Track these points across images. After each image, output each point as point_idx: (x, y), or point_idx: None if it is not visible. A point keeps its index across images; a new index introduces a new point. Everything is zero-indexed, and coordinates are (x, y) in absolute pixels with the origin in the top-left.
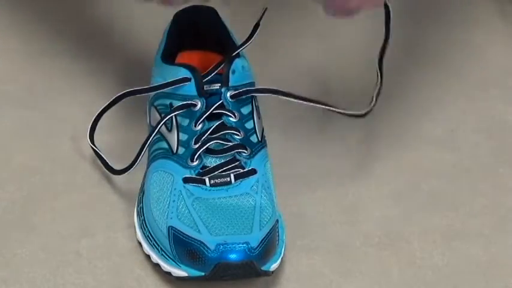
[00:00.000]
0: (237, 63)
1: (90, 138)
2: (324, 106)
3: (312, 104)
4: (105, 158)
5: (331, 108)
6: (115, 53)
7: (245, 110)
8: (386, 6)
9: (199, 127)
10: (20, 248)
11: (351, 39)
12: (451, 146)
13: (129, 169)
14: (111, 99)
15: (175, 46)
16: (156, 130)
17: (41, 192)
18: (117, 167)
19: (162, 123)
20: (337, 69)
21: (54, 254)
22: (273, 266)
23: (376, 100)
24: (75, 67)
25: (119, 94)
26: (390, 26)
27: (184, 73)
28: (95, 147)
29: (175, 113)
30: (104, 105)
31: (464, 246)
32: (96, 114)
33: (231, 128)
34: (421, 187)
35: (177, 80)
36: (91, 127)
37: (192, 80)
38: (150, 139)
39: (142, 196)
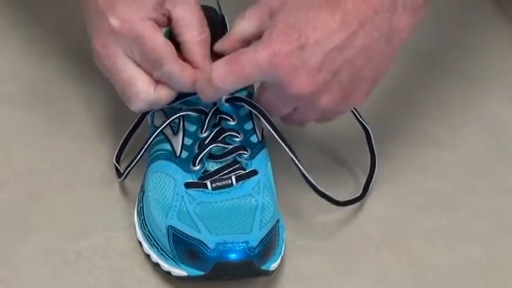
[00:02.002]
0: None
1: (116, 159)
2: (301, 170)
3: (290, 154)
4: (124, 174)
5: (310, 180)
6: None
7: (243, 112)
8: (363, 127)
9: (205, 134)
10: (19, 248)
11: None
12: (451, 146)
13: (130, 166)
14: (137, 119)
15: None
16: (160, 129)
17: (41, 192)
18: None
19: (167, 122)
20: None
21: (54, 254)
22: (273, 266)
23: (365, 193)
24: (75, 67)
25: (143, 112)
26: (373, 148)
27: None
28: (119, 167)
29: (184, 113)
30: (131, 127)
31: (464, 246)
32: (125, 136)
33: (230, 129)
34: (421, 187)
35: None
36: (119, 149)
37: None
38: (152, 138)
39: (143, 196)
